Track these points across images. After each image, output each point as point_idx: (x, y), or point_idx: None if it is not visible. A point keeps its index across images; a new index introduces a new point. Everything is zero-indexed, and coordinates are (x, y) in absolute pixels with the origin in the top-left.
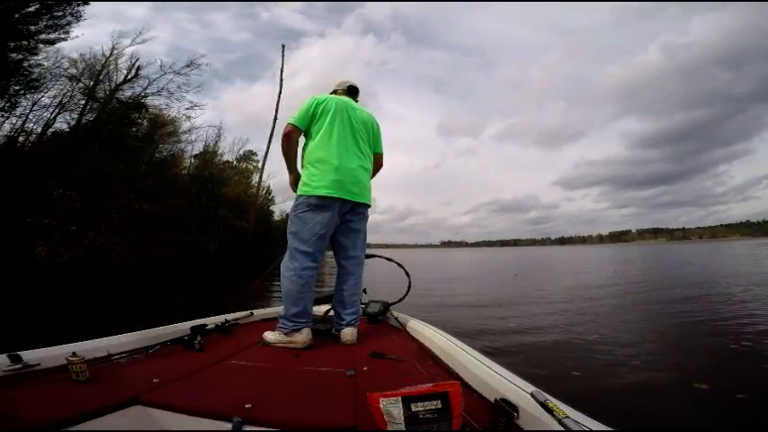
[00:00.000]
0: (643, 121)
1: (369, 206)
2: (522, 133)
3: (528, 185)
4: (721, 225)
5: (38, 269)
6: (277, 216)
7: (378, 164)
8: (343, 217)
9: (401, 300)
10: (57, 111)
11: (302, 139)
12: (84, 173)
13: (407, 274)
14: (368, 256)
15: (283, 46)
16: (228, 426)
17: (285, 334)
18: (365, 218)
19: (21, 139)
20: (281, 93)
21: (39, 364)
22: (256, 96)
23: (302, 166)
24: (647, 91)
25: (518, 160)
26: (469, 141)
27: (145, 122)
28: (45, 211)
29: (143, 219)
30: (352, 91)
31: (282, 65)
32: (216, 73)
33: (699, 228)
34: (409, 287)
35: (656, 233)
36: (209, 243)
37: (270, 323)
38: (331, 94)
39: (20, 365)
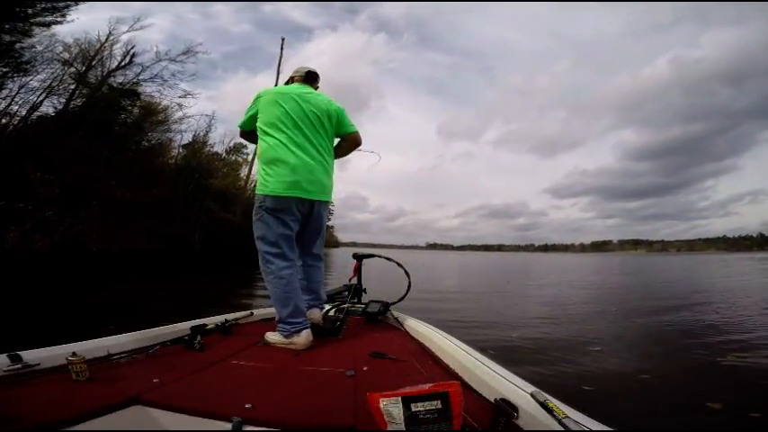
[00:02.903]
0: (640, 133)
1: (328, 203)
2: (520, 140)
3: (520, 192)
4: (700, 239)
5: (7, 257)
6: None
7: (353, 142)
8: (305, 216)
9: (401, 299)
10: (44, 94)
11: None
12: (66, 157)
13: (407, 273)
14: (367, 256)
15: (283, 39)
16: (228, 426)
17: (285, 336)
18: (325, 215)
19: (3, 121)
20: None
21: (39, 364)
22: (261, 86)
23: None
24: (650, 103)
25: (513, 166)
26: (469, 145)
27: (135, 109)
28: (19, 194)
29: (125, 207)
30: (310, 77)
31: (281, 57)
32: (214, 63)
33: (678, 241)
34: (409, 287)
35: (636, 244)
36: (193, 235)
37: (270, 323)
38: (288, 81)
39: (20, 365)
